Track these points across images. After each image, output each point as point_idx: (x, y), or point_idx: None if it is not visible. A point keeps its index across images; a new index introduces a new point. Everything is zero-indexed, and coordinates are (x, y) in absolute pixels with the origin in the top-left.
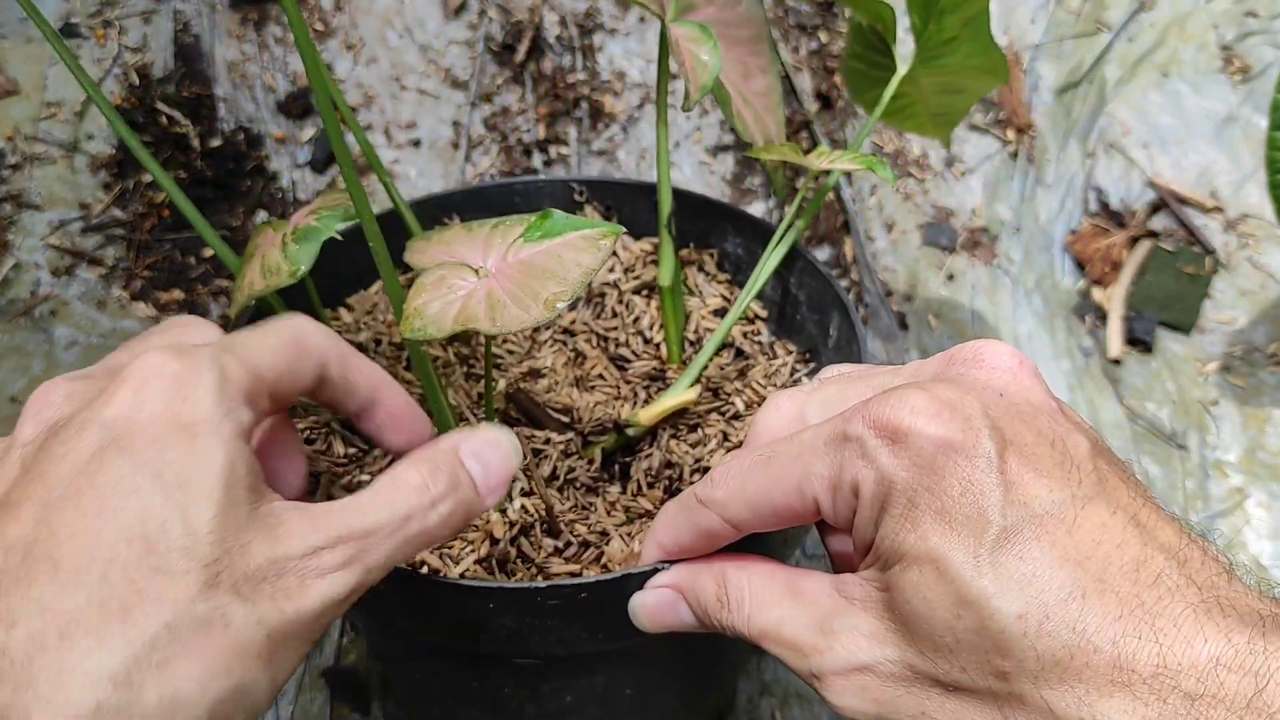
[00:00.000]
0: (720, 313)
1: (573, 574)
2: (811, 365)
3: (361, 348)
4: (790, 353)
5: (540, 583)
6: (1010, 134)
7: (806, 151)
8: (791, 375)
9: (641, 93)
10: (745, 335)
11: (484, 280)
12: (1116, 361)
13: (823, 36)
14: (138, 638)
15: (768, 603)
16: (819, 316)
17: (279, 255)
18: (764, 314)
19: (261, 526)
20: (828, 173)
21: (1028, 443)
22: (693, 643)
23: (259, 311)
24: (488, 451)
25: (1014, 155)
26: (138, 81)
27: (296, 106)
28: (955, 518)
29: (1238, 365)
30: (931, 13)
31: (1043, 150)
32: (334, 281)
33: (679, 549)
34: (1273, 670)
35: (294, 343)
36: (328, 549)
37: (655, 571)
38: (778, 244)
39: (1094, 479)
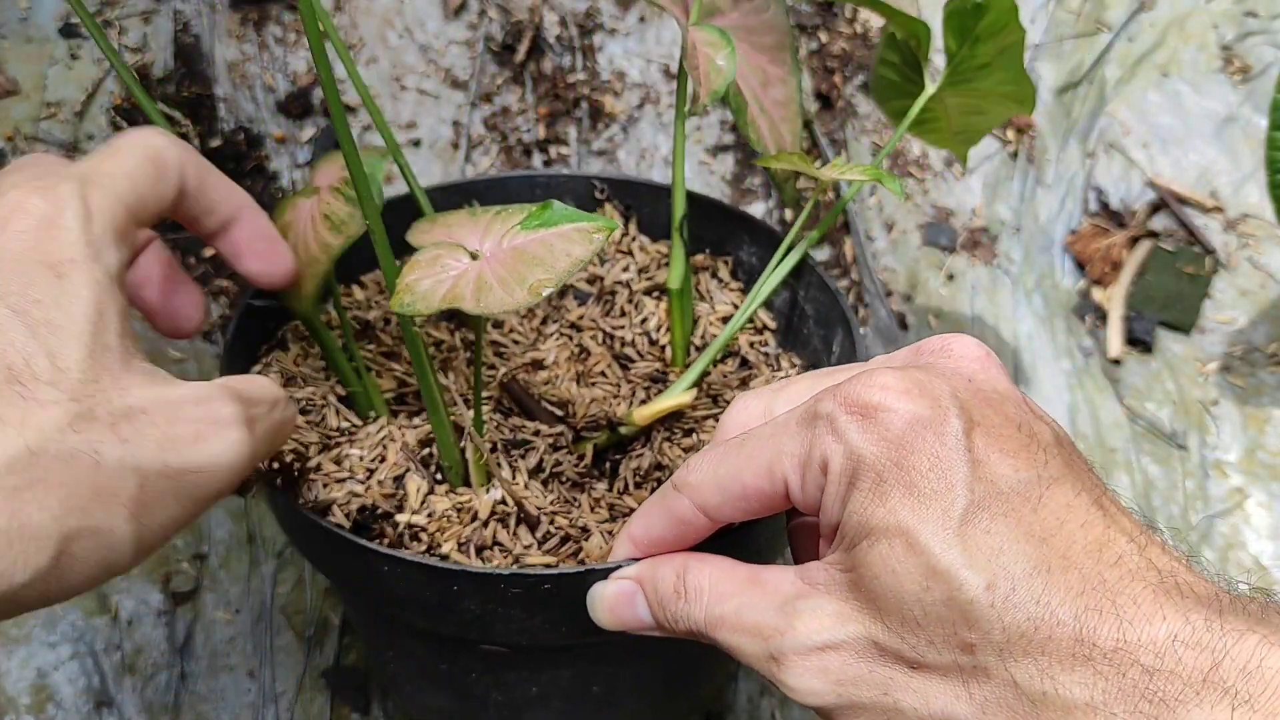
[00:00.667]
0: (729, 320)
1: (548, 565)
2: None
3: (369, 325)
4: (795, 366)
5: (503, 569)
6: (1010, 134)
7: (808, 152)
8: None
9: (641, 93)
10: (752, 345)
11: (477, 263)
12: (1116, 361)
13: (823, 36)
14: None
15: (727, 593)
16: (824, 332)
17: (341, 205)
18: (773, 325)
19: (141, 373)
20: (838, 183)
21: (995, 424)
22: (666, 647)
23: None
24: None
25: (1014, 155)
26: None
27: (296, 106)
28: (923, 492)
29: (1238, 365)
30: (967, 38)
31: (1043, 150)
32: (349, 258)
33: (649, 541)
34: (1228, 648)
35: (151, 160)
36: (221, 401)
37: (620, 568)
38: (785, 255)
39: (1060, 462)
